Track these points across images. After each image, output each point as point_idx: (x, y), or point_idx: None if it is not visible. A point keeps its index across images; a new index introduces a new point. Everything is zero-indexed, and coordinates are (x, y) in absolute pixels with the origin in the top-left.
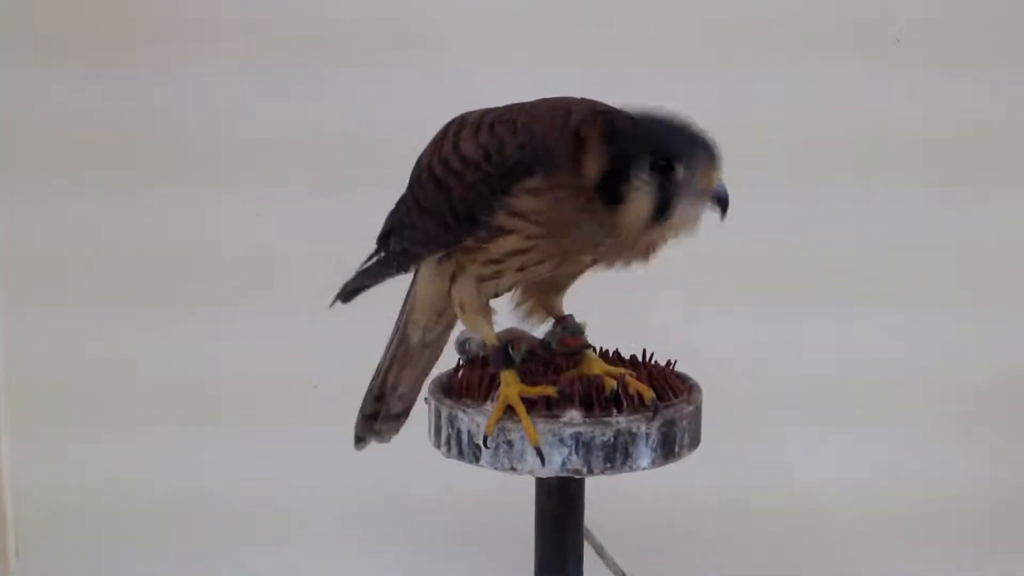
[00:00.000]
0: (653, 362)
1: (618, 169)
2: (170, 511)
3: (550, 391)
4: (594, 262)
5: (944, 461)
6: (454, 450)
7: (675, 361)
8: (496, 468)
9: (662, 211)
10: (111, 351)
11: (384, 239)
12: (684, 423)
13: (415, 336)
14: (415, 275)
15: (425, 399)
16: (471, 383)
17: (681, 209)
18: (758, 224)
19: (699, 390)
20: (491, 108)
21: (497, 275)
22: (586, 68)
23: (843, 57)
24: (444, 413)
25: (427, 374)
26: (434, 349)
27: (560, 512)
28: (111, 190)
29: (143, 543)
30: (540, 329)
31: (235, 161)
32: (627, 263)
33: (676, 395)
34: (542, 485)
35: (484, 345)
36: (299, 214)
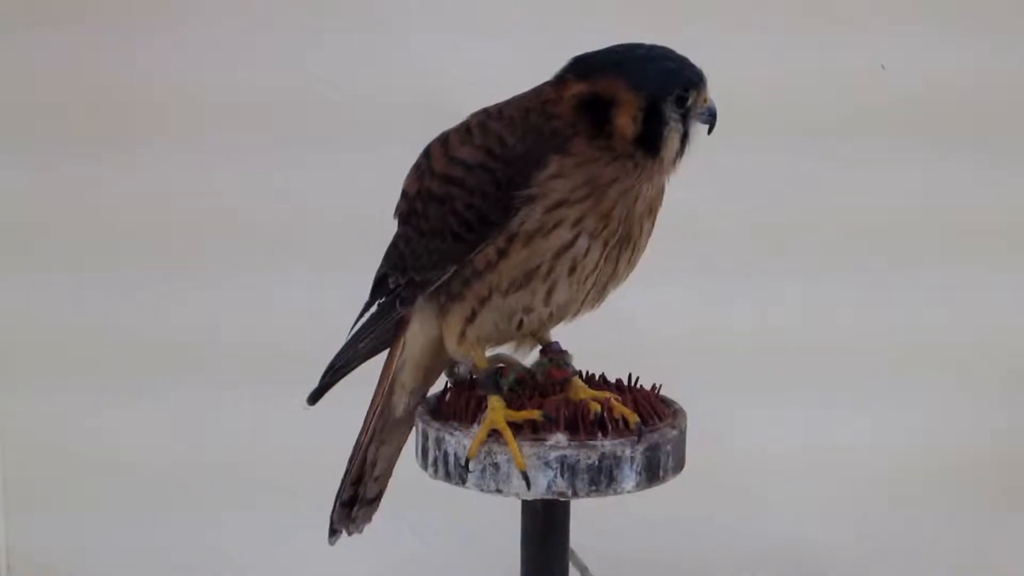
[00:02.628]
0: (638, 386)
1: (651, 116)
2: (157, 478)
3: (535, 415)
4: (629, 232)
5: (932, 427)
6: (441, 471)
7: (660, 385)
8: (482, 490)
9: (684, 141)
10: (97, 317)
11: (378, 287)
12: (668, 447)
13: (400, 406)
14: (401, 337)
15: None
16: (458, 406)
17: (694, 135)
18: (748, 191)
19: (683, 414)
20: (462, 122)
21: (549, 294)
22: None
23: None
24: (431, 435)
25: (400, 452)
26: (410, 422)
27: (545, 534)
28: (95, 155)
29: (130, 511)
30: (528, 357)
31: (219, 123)
32: (642, 228)
33: (661, 419)
34: (528, 507)
35: (474, 368)
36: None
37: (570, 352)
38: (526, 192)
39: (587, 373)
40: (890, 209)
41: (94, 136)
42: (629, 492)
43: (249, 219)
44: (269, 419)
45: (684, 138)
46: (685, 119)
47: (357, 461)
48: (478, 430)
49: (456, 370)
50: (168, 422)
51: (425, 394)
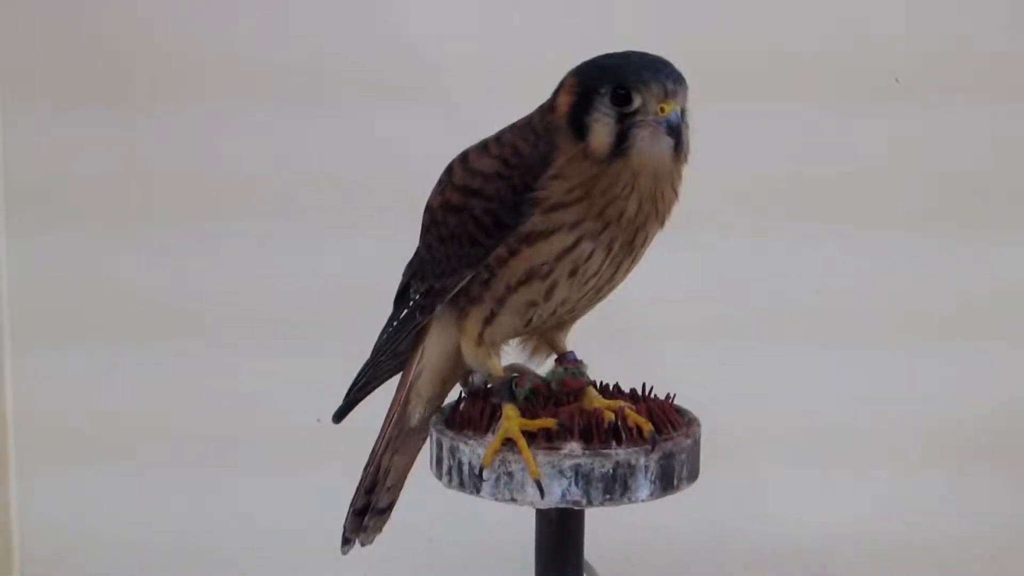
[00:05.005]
0: (652, 396)
1: (584, 103)
2: (174, 549)
3: (550, 423)
4: (632, 239)
5: (942, 500)
6: (455, 481)
7: (674, 395)
8: (496, 499)
9: (621, 141)
10: (109, 279)
11: (400, 299)
12: (683, 456)
13: (416, 415)
14: (420, 347)
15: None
16: (472, 415)
17: (641, 139)
18: (752, 262)
19: (698, 424)
20: (482, 140)
21: (549, 292)
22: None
23: None
24: (446, 444)
25: (413, 462)
26: (424, 432)
27: (560, 543)
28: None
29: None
30: (543, 366)
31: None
32: (646, 236)
33: (675, 428)
34: (542, 516)
35: (489, 377)
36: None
37: (585, 362)
38: (534, 195)
39: (601, 383)
40: (904, 170)
41: (103, 98)
42: (644, 501)
43: (256, 181)
44: (279, 382)
45: (621, 137)
46: (626, 118)
47: (371, 469)
48: (492, 439)
49: (471, 380)
50: (181, 384)
51: (440, 405)
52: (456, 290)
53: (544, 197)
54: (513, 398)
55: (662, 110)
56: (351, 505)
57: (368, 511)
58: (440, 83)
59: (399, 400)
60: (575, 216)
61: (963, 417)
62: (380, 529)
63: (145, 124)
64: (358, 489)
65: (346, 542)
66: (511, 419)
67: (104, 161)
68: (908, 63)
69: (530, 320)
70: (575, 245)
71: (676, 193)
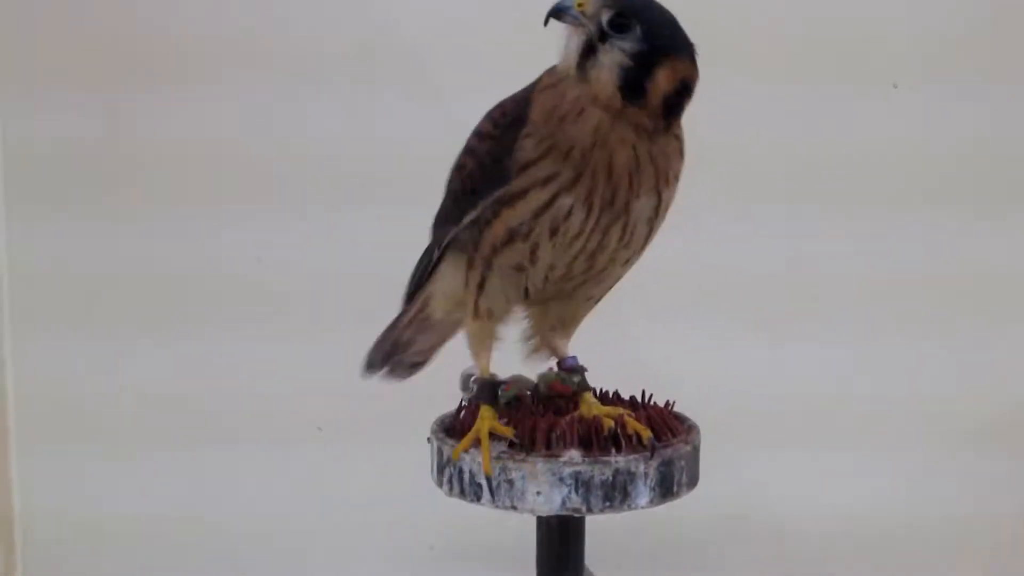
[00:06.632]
0: (652, 402)
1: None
2: (176, 538)
3: (509, 433)
4: (612, 199)
5: (942, 488)
6: (456, 488)
7: (673, 402)
8: (497, 506)
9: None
10: (117, 380)
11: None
12: (682, 462)
13: (437, 313)
14: (430, 276)
15: (428, 438)
16: (472, 423)
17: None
18: (752, 249)
19: (697, 430)
20: None
21: (533, 254)
22: None
23: None
24: (446, 452)
25: (445, 342)
26: (457, 325)
27: (560, 551)
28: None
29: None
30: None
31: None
32: (629, 203)
33: (674, 435)
34: (542, 524)
35: (476, 375)
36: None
37: (585, 368)
38: (514, 156)
39: (601, 389)
40: (903, 154)
41: (102, 82)
42: (643, 508)
43: (259, 164)
44: (284, 367)
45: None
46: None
47: (391, 338)
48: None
49: (471, 385)
50: (184, 369)
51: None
52: (449, 239)
53: (520, 157)
54: (494, 401)
55: (579, 5)
56: (378, 343)
57: (393, 358)
58: (440, 68)
59: (418, 297)
60: (547, 171)
61: (965, 403)
62: (408, 376)
63: (146, 107)
64: (380, 340)
65: (370, 366)
66: (485, 419)
67: (103, 144)
68: (908, 53)
69: (526, 289)
70: (551, 202)
71: (646, 161)
